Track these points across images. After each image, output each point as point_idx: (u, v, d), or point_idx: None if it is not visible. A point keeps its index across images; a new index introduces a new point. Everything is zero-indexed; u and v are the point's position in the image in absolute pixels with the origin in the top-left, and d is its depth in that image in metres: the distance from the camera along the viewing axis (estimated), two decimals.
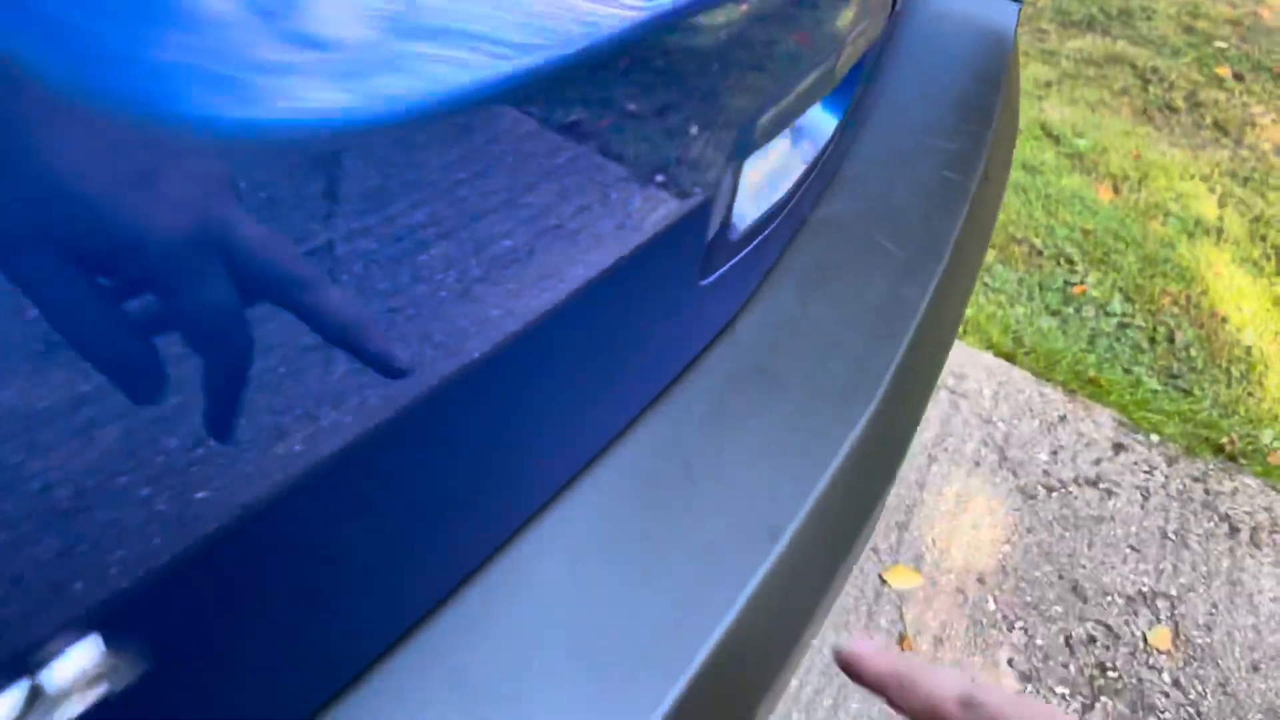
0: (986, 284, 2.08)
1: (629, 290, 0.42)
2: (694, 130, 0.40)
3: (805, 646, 0.53)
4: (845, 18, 0.47)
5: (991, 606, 1.40)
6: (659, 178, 0.40)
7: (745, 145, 0.42)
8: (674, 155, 0.40)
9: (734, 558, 0.45)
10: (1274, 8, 3.68)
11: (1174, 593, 1.46)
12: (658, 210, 0.41)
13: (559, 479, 0.45)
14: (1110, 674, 1.34)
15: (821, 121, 0.58)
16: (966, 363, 1.80)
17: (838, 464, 0.52)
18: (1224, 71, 3.12)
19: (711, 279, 0.46)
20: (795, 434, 0.52)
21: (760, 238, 0.51)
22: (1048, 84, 2.91)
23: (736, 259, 0.48)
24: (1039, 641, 1.36)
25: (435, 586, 0.38)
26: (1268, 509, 1.62)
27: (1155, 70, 3.06)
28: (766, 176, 0.51)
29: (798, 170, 0.54)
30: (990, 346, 1.87)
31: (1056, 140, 2.63)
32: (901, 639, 1.33)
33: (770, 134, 0.45)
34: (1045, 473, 1.61)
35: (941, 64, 0.84)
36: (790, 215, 0.60)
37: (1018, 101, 0.95)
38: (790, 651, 0.50)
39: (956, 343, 1.83)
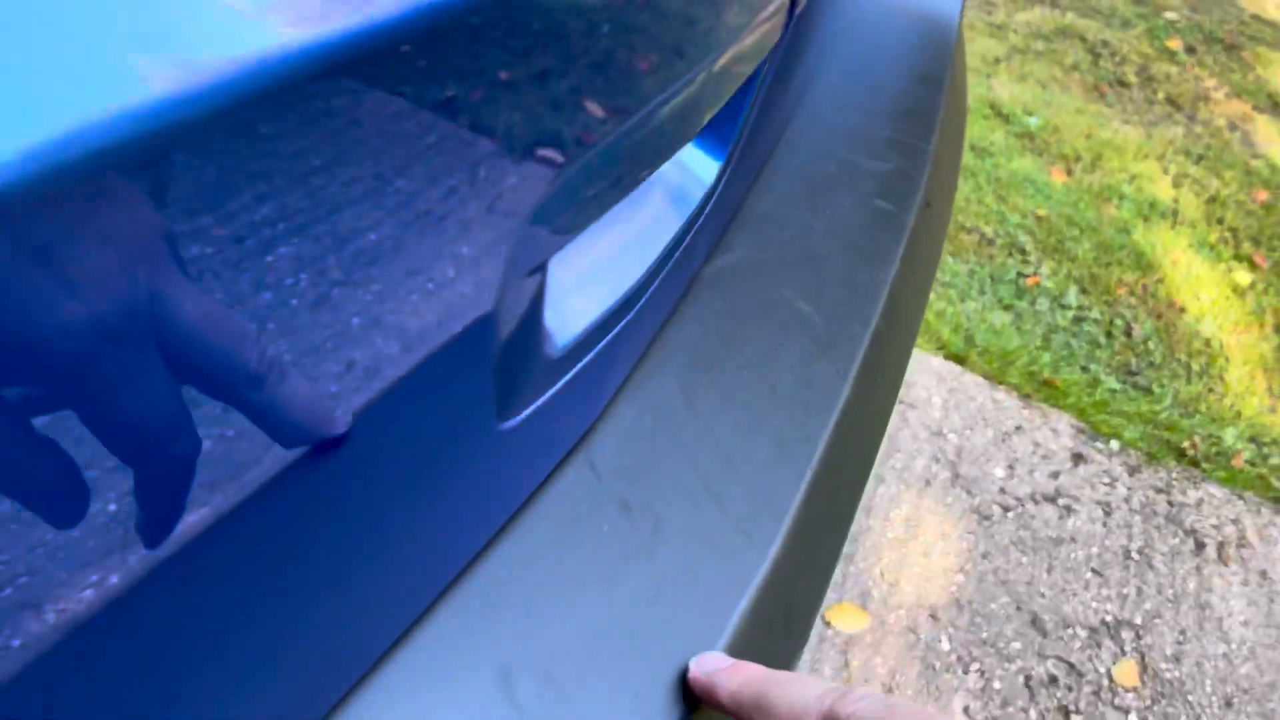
0: (936, 278, 1.95)
1: (387, 450, 0.27)
2: (464, 216, 0.25)
3: None
4: (709, 31, 0.32)
5: (945, 646, 1.28)
6: (411, 294, 0.25)
7: (549, 232, 0.27)
8: (432, 255, 0.25)
9: None
10: None
11: (1139, 621, 1.35)
12: (411, 335, 0.26)
13: None
14: (1074, 718, 1.23)
15: (698, 164, 0.43)
16: (915, 368, 1.67)
17: (726, 644, 0.38)
18: (1175, 44, 3.02)
19: (520, 418, 0.31)
20: (665, 609, 0.38)
21: (610, 337, 0.36)
22: (996, 60, 2.79)
23: (563, 381, 0.34)
24: (996, 685, 1.25)
25: None
26: (1235, 521, 1.52)
27: (1106, 44, 2.95)
28: (608, 257, 0.36)
29: (666, 234, 0.39)
30: (941, 348, 1.75)
31: (1006, 120, 2.51)
32: None
33: (595, 209, 0.30)
34: (1001, 490, 1.49)
35: (872, 64, 0.69)
36: (670, 278, 0.45)
37: (965, 102, 0.81)
38: None
39: None
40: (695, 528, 0.41)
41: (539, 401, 0.33)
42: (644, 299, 0.40)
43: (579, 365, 0.35)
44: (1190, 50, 3.02)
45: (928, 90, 0.70)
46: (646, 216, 0.40)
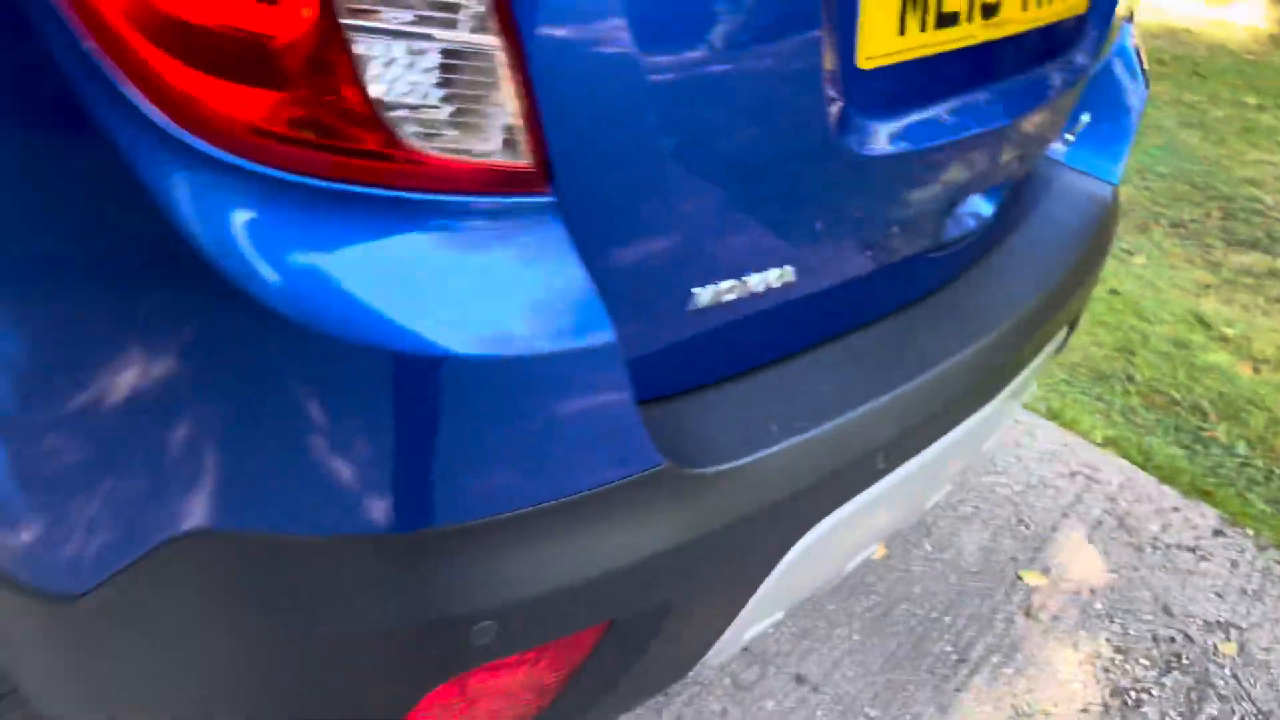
0: (1130, 419, 2.71)
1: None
2: None
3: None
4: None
5: (1099, 606, 2.00)
6: None
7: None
8: None
9: None
10: None
11: (1245, 626, 2.01)
12: None
13: None
14: (1184, 661, 1.91)
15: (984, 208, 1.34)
16: (1102, 463, 2.43)
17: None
18: None
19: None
20: None
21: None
22: (1207, 286, 3.55)
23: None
24: (1131, 632, 1.95)
25: None
26: None
27: None
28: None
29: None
30: (1124, 456, 2.49)
31: (1207, 327, 3.25)
32: (1027, 612, 1.96)
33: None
34: (1154, 538, 2.21)
35: (1056, 217, 1.61)
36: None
37: (1109, 242, 1.69)
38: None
39: (1095, 449, 2.47)
40: None
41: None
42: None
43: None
44: None
45: (1086, 243, 1.60)
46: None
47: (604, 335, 0.78)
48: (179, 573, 0.79)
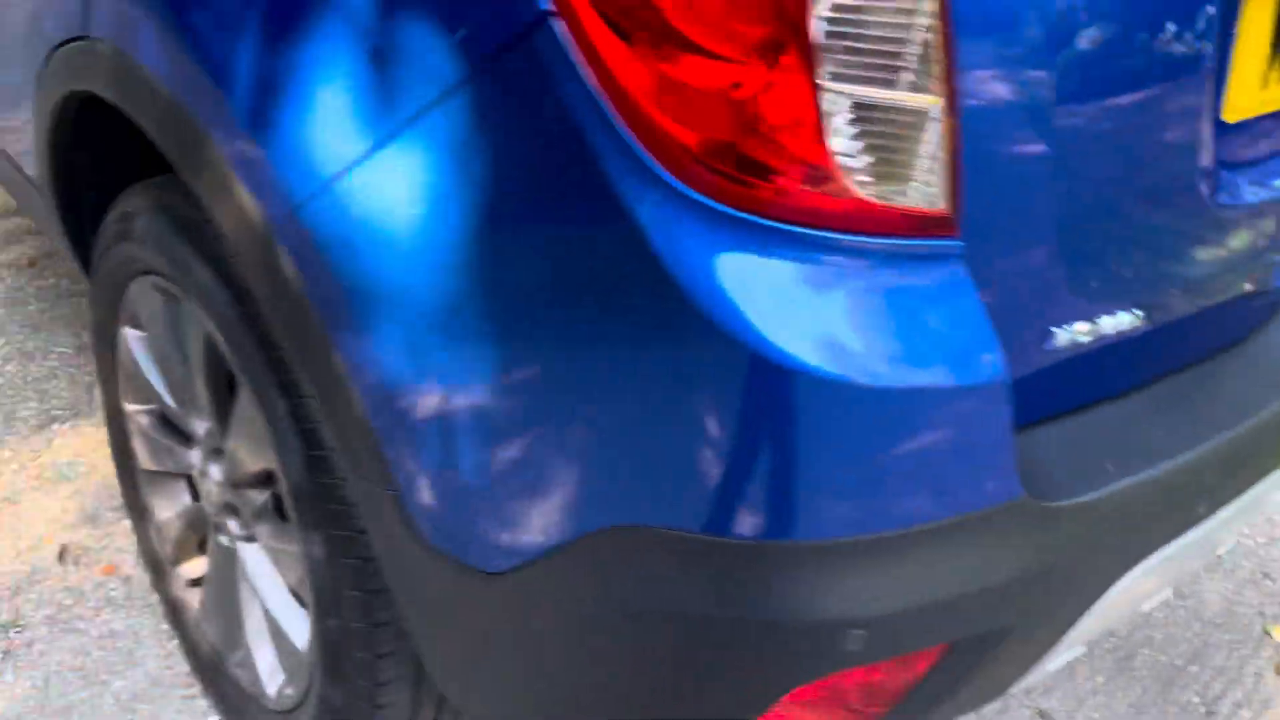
0: None
1: None
2: None
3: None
4: None
5: None
6: None
7: None
8: None
9: None
10: None
11: None
12: None
13: None
14: None
15: None
16: None
17: None
18: None
19: None
20: None
21: None
22: None
23: None
24: None
25: None
26: None
27: None
28: None
29: None
30: None
31: None
32: (1278, 669, 1.90)
33: None
34: None
35: None
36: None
37: None
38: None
39: None
40: None
41: None
42: None
43: None
44: None
45: None
46: None
47: (1001, 374, 0.84)
48: (592, 562, 0.89)
